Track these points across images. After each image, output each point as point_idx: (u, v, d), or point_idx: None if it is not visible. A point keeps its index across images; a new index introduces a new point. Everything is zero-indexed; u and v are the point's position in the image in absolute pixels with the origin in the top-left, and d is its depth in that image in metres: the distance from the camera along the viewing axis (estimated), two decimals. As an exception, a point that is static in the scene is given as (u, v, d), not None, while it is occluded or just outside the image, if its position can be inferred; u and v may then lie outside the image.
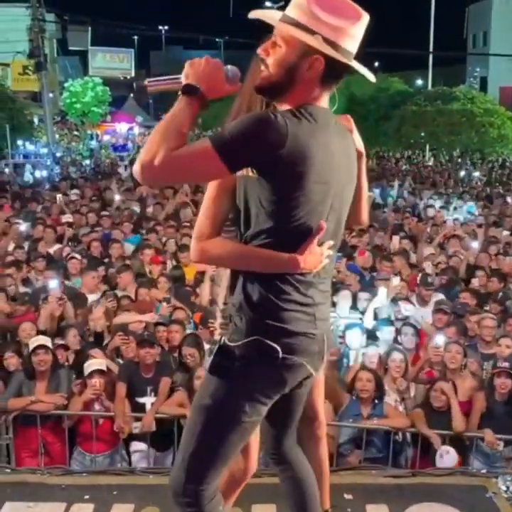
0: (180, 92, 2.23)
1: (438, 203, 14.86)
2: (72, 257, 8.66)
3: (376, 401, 5.54)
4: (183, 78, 2.26)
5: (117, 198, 14.10)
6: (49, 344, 5.82)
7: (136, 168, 2.16)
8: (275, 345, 2.37)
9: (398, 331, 6.73)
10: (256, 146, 2.18)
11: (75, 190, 15.96)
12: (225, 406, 2.46)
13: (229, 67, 2.30)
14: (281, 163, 2.20)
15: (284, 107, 2.36)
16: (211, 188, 2.49)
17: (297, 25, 2.28)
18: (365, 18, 2.35)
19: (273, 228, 2.33)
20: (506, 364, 5.65)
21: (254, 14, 2.37)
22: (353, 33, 2.32)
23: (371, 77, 2.50)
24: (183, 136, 2.19)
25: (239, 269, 2.46)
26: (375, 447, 5.41)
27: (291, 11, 2.31)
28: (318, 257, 2.41)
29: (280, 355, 2.38)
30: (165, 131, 2.18)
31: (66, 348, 6.29)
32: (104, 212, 12.15)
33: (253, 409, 2.48)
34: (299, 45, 2.28)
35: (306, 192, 2.28)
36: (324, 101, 2.41)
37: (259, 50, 2.37)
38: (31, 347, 5.72)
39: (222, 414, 2.48)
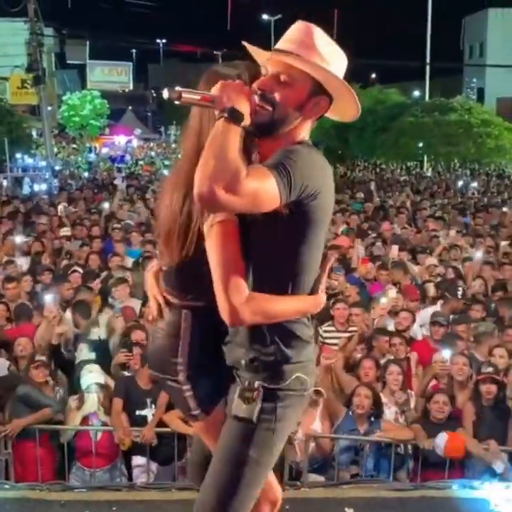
0: (225, 114, 2.12)
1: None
2: (75, 271, 8.65)
3: (372, 418, 5.51)
4: (217, 96, 2.16)
5: (106, 205, 14.18)
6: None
7: (209, 195, 2.02)
8: (308, 379, 2.44)
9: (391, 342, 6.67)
10: (309, 189, 2.19)
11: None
12: (269, 452, 2.43)
13: (255, 97, 2.24)
14: (320, 203, 2.25)
15: (276, 143, 2.30)
16: (222, 234, 2.25)
17: (313, 64, 2.25)
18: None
19: (296, 269, 2.34)
20: (490, 369, 5.65)
21: (249, 48, 2.38)
22: (344, 72, 2.37)
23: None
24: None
25: (279, 320, 2.37)
26: (369, 465, 5.36)
27: (296, 49, 2.26)
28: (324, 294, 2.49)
29: (308, 387, 2.45)
30: (230, 157, 2.06)
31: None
32: (116, 225, 12.14)
33: (282, 444, 2.49)
34: (309, 83, 2.28)
35: (325, 228, 2.37)
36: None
37: (256, 85, 2.27)
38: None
39: (268, 461, 2.44)
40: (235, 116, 2.12)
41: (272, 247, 2.29)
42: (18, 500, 4.03)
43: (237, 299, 2.21)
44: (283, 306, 2.33)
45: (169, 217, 2.40)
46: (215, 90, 2.17)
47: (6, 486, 4.33)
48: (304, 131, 2.38)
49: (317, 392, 2.57)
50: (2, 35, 34.98)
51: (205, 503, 2.47)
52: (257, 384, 2.35)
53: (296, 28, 2.32)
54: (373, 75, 49.43)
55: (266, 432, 2.37)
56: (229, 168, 2.03)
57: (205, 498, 2.48)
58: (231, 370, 2.47)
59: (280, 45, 2.30)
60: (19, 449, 5.50)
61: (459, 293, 8.18)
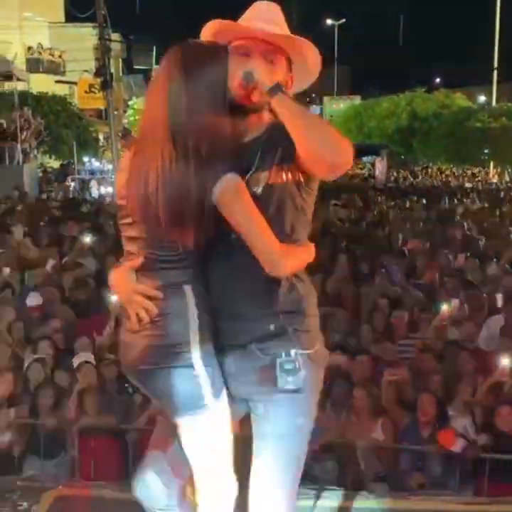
0: (281, 89, 2.29)
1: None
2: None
3: (437, 425, 5.43)
4: (259, 79, 2.32)
5: None
6: None
7: (343, 161, 2.25)
8: (325, 350, 2.50)
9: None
10: None
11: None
12: (310, 419, 2.44)
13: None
14: None
15: (254, 115, 2.41)
16: (247, 195, 2.25)
17: (290, 37, 2.39)
18: None
19: (304, 230, 2.46)
20: None
21: (222, 24, 2.41)
22: None
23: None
24: None
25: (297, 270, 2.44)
26: (436, 471, 5.27)
27: (272, 28, 2.35)
28: None
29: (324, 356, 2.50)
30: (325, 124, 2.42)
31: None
32: None
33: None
34: (285, 61, 2.42)
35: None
36: None
37: (254, 66, 2.31)
38: None
39: (309, 430, 2.45)
40: (280, 88, 2.29)
41: (301, 211, 2.41)
42: (89, 498, 4.05)
43: (280, 253, 2.30)
44: (301, 254, 2.43)
45: (176, 194, 2.19)
46: (254, 74, 2.28)
47: (78, 484, 4.39)
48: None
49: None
50: (71, 40, 35.90)
51: (270, 478, 2.38)
52: (293, 353, 2.33)
53: (267, 9, 2.41)
54: (438, 80, 48.68)
55: (308, 399, 2.40)
56: (336, 134, 2.25)
57: (268, 473, 2.38)
58: (235, 349, 2.38)
59: (257, 25, 2.34)
60: (87, 446, 5.60)
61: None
